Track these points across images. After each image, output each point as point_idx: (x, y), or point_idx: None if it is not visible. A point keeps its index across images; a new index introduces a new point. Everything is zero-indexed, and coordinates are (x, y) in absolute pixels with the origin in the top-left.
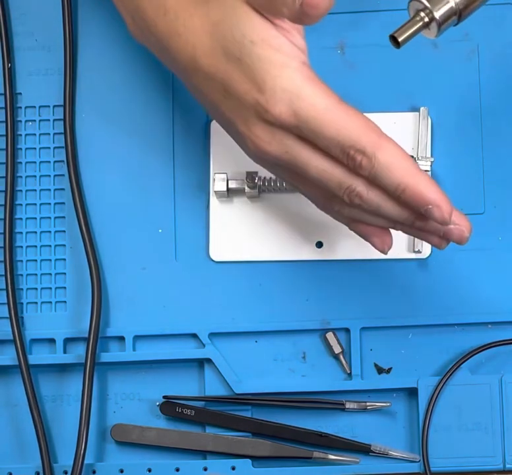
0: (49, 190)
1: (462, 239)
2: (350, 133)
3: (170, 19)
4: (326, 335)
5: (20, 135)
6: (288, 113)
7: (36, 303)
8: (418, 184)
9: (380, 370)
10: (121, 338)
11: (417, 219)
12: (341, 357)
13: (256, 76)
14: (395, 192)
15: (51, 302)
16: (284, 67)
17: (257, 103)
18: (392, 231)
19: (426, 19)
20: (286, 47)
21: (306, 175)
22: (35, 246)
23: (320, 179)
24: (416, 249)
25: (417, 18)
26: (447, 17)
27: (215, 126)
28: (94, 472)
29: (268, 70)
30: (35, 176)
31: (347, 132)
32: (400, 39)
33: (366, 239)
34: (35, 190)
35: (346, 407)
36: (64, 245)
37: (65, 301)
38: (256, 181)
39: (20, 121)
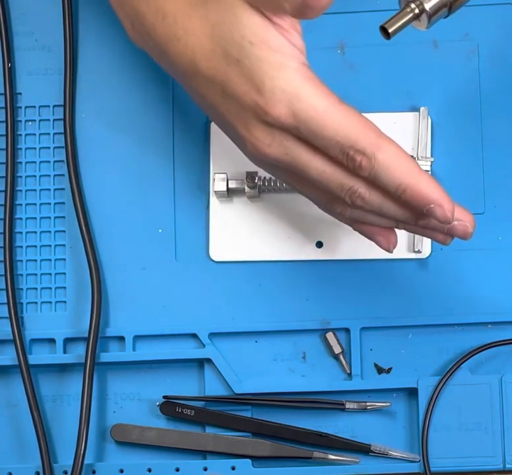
0: (49, 190)
1: (467, 234)
2: (349, 134)
3: (169, 23)
4: (326, 335)
5: (20, 135)
6: (288, 114)
7: (36, 303)
8: (419, 184)
9: (380, 370)
10: (121, 338)
11: (420, 218)
12: (341, 357)
13: (255, 77)
14: (396, 192)
15: (51, 302)
16: (282, 68)
17: (256, 104)
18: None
19: (416, 11)
20: (285, 48)
21: (307, 176)
22: (35, 246)
23: (320, 180)
24: (416, 249)
25: (408, 10)
26: (437, 9)
27: (215, 127)
28: (94, 472)
29: (267, 71)
30: (35, 176)
31: (346, 132)
32: (390, 30)
33: (371, 239)
34: (35, 190)
35: (346, 407)
36: (64, 245)
37: (65, 301)
38: (256, 181)
39: (20, 121)
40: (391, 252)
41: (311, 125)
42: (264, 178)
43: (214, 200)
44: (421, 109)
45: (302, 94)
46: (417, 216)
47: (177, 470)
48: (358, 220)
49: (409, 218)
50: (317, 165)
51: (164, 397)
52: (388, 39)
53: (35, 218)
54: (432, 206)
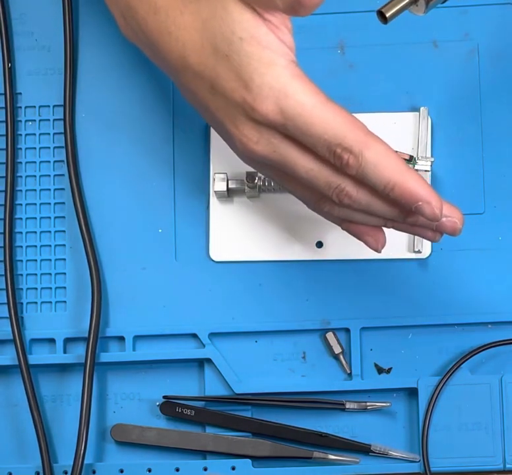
0: (49, 190)
1: (455, 230)
2: (336, 131)
3: (160, 18)
4: (326, 335)
5: (20, 135)
6: (275, 111)
7: (36, 303)
8: (407, 181)
9: (380, 370)
10: (121, 338)
11: (409, 215)
12: (341, 357)
13: (243, 73)
14: (384, 190)
15: (51, 302)
16: (271, 65)
17: (244, 101)
18: (387, 230)
19: None
20: (274, 45)
21: (294, 175)
22: (35, 246)
23: (308, 178)
24: (416, 249)
25: None
26: None
27: None
28: (94, 472)
29: (256, 68)
30: (35, 176)
31: (333, 130)
32: (387, 15)
33: (359, 239)
34: (35, 190)
35: (346, 407)
36: (64, 245)
37: (65, 301)
38: (256, 181)
39: (20, 121)
40: (379, 252)
41: (298, 122)
42: (264, 178)
43: (214, 200)
44: (421, 109)
45: (290, 91)
46: (405, 214)
47: (177, 470)
48: (346, 218)
49: (397, 216)
50: (304, 163)
51: (164, 397)
52: (386, 24)
53: (35, 218)
54: (420, 203)
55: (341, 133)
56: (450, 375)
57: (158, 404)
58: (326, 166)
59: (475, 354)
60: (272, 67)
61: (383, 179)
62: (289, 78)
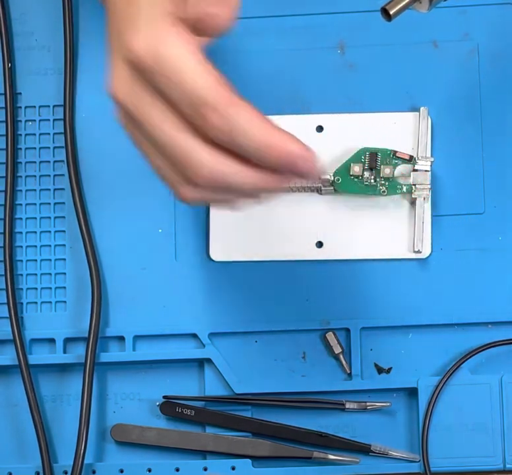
0: (49, 190)
1: (311, 170)
2: (202, 87)
3: None
4: (326, 335)
5: (20, 135)
6: (146, 50)
7: (36, 303)
8: (280, 140)
9: (380, 370)
10: (121, 338)
11: (269, 183)
12: (341, 357)
13: (136, 8)
14: (256, 151)
15: (51, 302)
16: (163, 10)
17: (124, 33)
18: (386, 230)
19: None
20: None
21: (151, 137)
22: (35, 246)
23: (164, 143)
24: (416, 249)
25: None
26: None
27: None
28: (94, 472)
29: (148, 9)
30: (35, 176)
31: (201, 85)
32: (391, 12)
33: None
34: (35, 190)
35: (346, 407)
36: (64, 245)
37: (65, 301)
38: None
39: (20, 121)
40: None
41: (166, 69)
42: None
43: None
44: (421, 109)
45: (169, 38)
46: (272, 181)
47: (177, 470)
48: (205, 200)
49: (257, 187)
50: (163, 123)
51: (164, 397)
52: (389, 21)
53: (35, 218)
54: (297, 161)
55: (208, 90)
56: (450, 375)
57: (158, 404)
58: (186, 130)
59: (475, 354)
60: (163, 16)
61: (254, 140)
62: (171, 25)
